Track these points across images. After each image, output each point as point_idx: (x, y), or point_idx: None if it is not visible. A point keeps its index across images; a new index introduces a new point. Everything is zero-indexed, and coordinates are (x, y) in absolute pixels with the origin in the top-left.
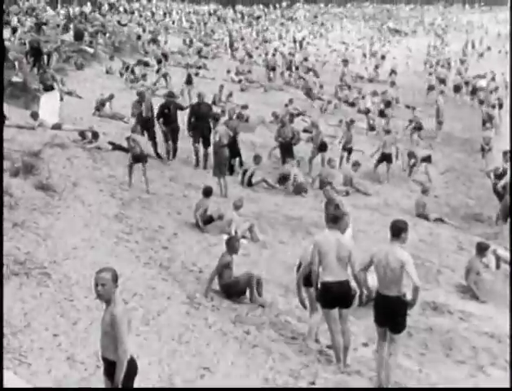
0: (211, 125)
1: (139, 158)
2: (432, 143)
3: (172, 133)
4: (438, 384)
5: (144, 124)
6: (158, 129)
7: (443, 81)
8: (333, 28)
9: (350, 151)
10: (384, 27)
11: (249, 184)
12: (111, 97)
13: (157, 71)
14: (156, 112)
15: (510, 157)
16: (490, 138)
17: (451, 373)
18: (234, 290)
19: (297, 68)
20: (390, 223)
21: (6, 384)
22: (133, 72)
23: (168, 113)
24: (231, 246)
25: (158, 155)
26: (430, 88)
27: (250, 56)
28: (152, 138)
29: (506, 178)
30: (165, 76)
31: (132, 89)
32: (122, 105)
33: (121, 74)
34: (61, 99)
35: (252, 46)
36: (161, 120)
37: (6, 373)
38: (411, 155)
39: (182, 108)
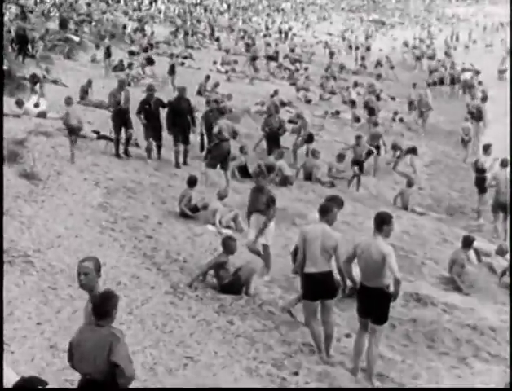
0: (190, 122)
1: (72, 130)
2: (416, 136)
3: (153, 131)
4: (420, 375)
5: (122, 115)
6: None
7: (430, 73)
8: (320, 19)
9: (361, 167)
10: (370, 18)
11: (242, 174)
12: (89, 83)
13: (148, 60)
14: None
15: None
16: (469, 129)
17: (433, 364)
18: (236, 288)
19: (286, 57)
20: (374, 215)
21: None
22: (109, 55)
23: (149, 109)
24: (227, 246)
25: (126, 153)
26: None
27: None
28: (127, 129)
29: (493, 172)
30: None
31: (117, 77)
32: (107, 93)
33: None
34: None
35: (238, 36)
36: (142, 116)
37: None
38: (395, 147)
39: (164, 106)
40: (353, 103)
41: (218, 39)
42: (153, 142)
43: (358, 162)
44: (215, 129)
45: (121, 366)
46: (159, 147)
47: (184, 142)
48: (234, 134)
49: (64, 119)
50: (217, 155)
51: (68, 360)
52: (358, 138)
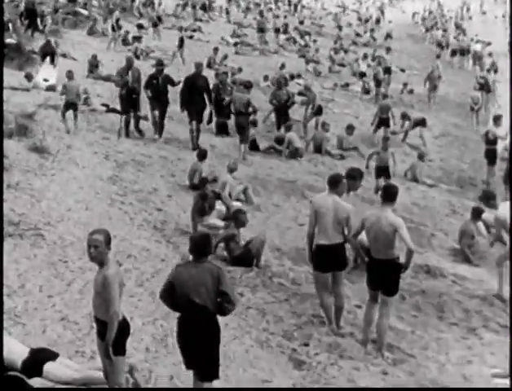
0: (206, 100)
1: (69, 105)
2: (426, 108)
3: (159, 107)
4: (430, 345)
5: (129, 95)
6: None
7: (439, 45)
8: None
9: (387, 175)
10: None
11: (252, 148)
12: (94, 57)
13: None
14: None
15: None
16: (478, 98)
17: (443, 335)
18: (247, 261)
19: (295, 29)
20: (382, 188)
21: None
22: (120, 28)
23: (156, 84)
24: (237, 219)
25: (139, 132)
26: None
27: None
28: (135, 110)
29: (506, 143)
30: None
31: (128, 51)
32: (116, 67)
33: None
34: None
35: (247, 9)
36: (149, 91)
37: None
38: (404, 116)
39: (173, 83)
40: (362, 75)
41: (228, 12)
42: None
43: (383, 170)
44: (235, 106)
45: (229, 294)
46: (162, 126)
47: (198, 121)
48: (254, 109)
49: (61, 92)
50: (237, 129)
51: (163, 299)
52: (385, 140)
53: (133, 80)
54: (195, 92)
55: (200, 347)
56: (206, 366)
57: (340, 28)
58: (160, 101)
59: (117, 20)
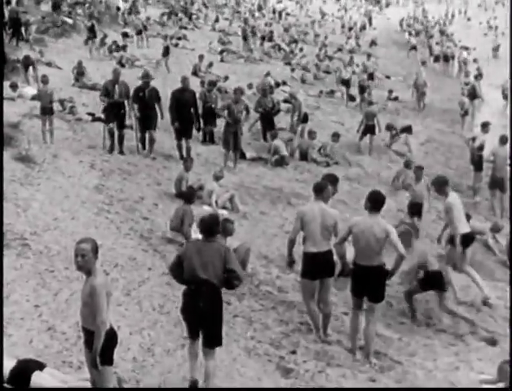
0: (194, 115)
1: (45, 110)
2: (412, 114)
3: (147, 121)
4: (417, 352)
5: (115, 110)
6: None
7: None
8: None
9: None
10: None
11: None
12: (79, 64)
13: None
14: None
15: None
16: (464, 103)
17: (430, 342)
18: None
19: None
20: (369, 194)
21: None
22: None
23: (143, 97)
24: (225, 228)
25: (121, 152)
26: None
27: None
28: (121, 127)
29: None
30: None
31: (113, 59)
32: (101, 75)
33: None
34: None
35: (232, 16)
36: (136, 109)
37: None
38: (390, 127)
39: (159, 99)
40: (344, 83)
41: (217, 19)
42: (147, 132)
43: (417, 207)
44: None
45: (237, 270)
46: (151, 140)
47: (187, 137)
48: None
49: (37, 98)
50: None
51: (172, 272)
52: (418, 169)
53: (120, 95)
54: (182, 108)
55: (206, 317)
56: (211, 333)
57: (317, 35)
58: (147, 115)
59: (91, 28)
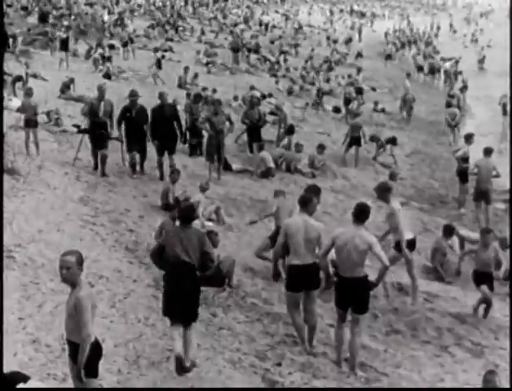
0: (176, 130)
1: (29, 123)
2: (397, 126)
3: (136, 143)
4: (403, 363)
5: (98, 129)
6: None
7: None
8: (300, 11)
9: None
10: (350, 9)
11: (224, 167)
12: (71, 80)
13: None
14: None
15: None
16: (455, 115)
17: (416, 353)
18: (218, 281)
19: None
20: (355, 206)
21: None
22: (66, 48)
23: (130, 117)
24: (210, 240)
25: (103, 174)
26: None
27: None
28: (101, 147)
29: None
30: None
31: (100, 71)
32: (87, 87)
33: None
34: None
35: (218, 28)
36: (123, 126)
37: None
38: (374, 138)
39: (146, 120)
40: (326, 94)
41: (203, 32)
42: (137, 155)
43: (488, 277)
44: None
45: (210, 253)
46: (142, 160)
47: (170, 152)
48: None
49: (21, 110)
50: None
51: (154, 259)
52: (486, 232)
53: (104, 114)
54: (163, 123)
55: (186, 296)
56: (190, 311)
57: (296, 45)
58: (136, 135)
59: (63, 41)
